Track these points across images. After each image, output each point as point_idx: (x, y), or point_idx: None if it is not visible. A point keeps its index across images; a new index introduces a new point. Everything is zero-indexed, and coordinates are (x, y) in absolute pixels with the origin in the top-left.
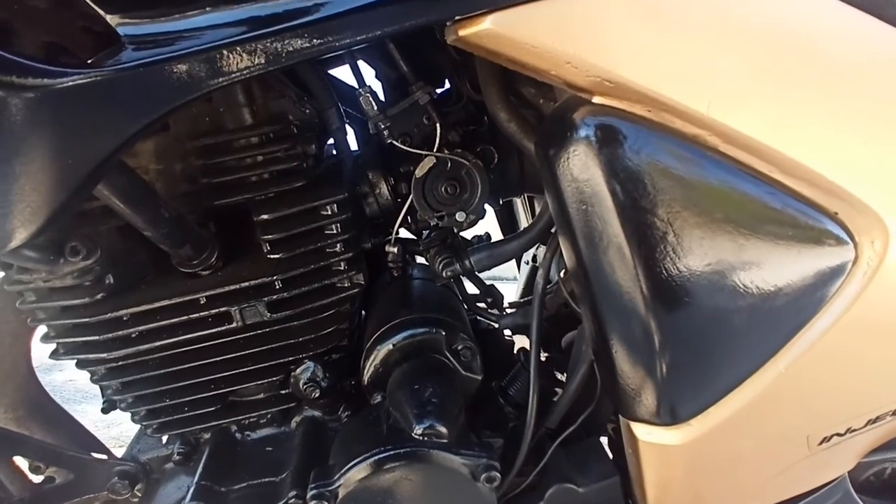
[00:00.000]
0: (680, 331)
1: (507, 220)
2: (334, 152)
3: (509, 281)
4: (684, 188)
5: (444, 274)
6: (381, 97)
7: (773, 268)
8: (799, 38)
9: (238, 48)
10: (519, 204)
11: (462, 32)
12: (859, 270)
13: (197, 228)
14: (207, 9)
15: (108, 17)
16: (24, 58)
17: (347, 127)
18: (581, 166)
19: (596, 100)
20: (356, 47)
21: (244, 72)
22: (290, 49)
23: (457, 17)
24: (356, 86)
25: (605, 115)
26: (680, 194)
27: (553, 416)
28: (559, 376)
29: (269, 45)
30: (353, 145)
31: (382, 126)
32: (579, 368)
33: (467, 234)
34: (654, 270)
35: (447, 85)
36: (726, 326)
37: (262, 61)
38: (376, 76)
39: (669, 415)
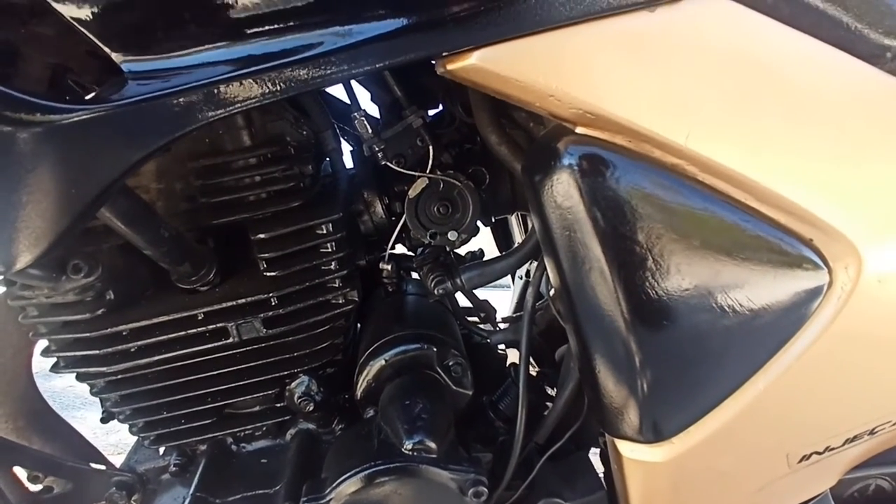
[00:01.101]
0: (660, 351)
1: (501, 235)
2: (330, 171)
3: (505, 289)
4: (664, 215)
5: (436, 291)
6: (377, 118)
7: (750, 292)
8: (772, 71)
9: (236, 83)
10: (513, 220)
11: (450, 67)
12: (834, 295)
13: (195, 246)
14: (207, 46)
15: (113, 55)
16: (31, 94)
17: (344, 146)
18: (564, 193)
19: (579, 130)
20: (349, 80)
21: (241, 104)
22: (285, 84)
23: (444, 54)
24: (352, 108)
25: (587, 145)
26: (659, 221)
27: (542, 431)
28: (550, 391)
29: (265, 80)
30: (350, 164)
31: (377, 148)
32: (567, 384)
33: (462, 250)
34: (635, 293)
35: (440, 107)
36: (706, 347)
37: (258, 94)
38: (372, 99)
39: (652, 432)
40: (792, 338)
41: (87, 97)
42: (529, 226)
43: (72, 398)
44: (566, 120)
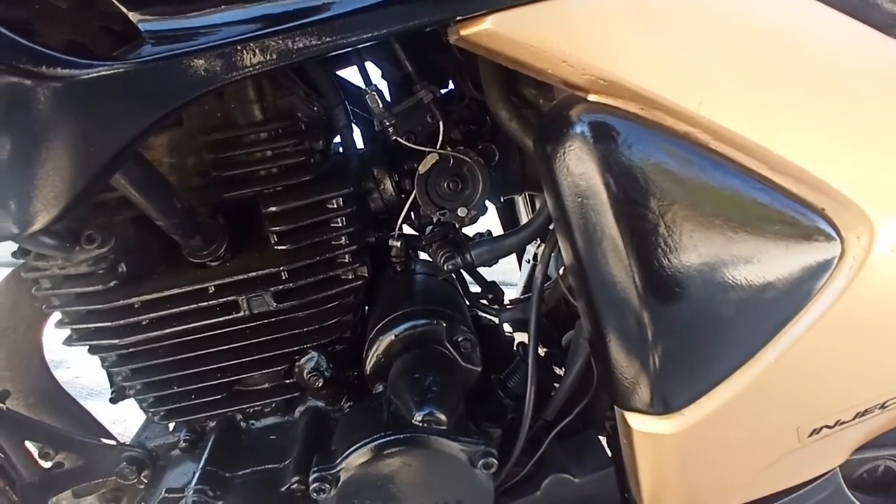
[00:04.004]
0: (672, 322)
1: (508, 217)
2: (341, 149)
3: (513, 286)
4: (675, 183)
5: (445, 267)
6: (387, 96)
7: (761, 262)
8: (786, 39)
9: (251, 44)
10: (520, 201)
11: (463, 32)
12: (845, 265)
13: (207, 220)
14: (223, 7)
15: (130, 14)
16: (51, 50)
17: (354, 125)
18: (576, 161)
19: (591, 98)
20: (362, 45)
21: (256, 67)
22: (300, 46)
23: (458, 18)
24: (363, 86)
25: (599, 113)
26: (671, 189)
27: (550, 408)
28: (558, 371)
29: (280, 42)
30: (359, 143)
31: (387, 123)
32: (576, 361)
33: (469, 232)
34: (647, 263)
35: (451, 85)
36: (717, 318)
37: (274, 57)
38: (382, 76)
39: (662, 404)
40: (803, 309)
41: (110, 56)
42: (538, 205)
43: (78, 389)
44: (579, 87)
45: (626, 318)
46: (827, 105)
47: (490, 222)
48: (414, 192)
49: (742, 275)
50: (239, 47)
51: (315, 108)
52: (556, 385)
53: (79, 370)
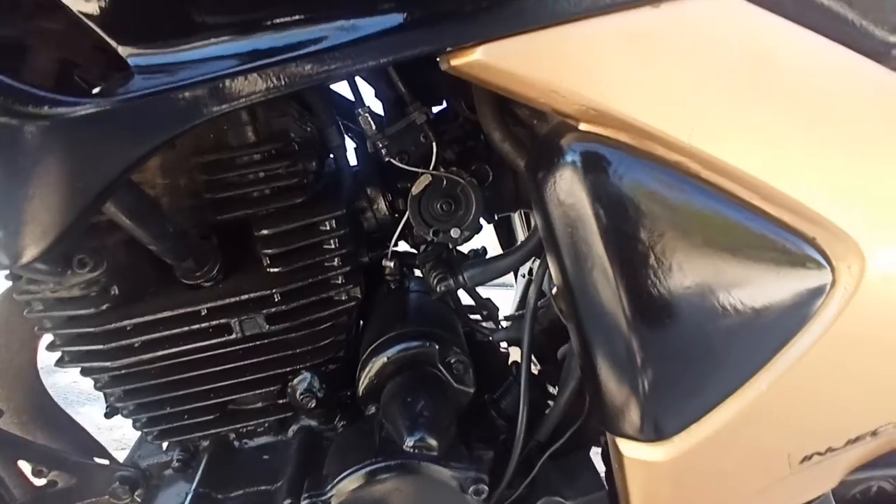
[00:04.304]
0: (662, 349)
1: (505, 233)
2: (334, 168)
3: (508, 287)
4: (666, 213)
5: (438, 289)
6: (381, 114)
7: (752, 290)
8: (778, 68)
9: (241, 77)
10: (516, 218)
11: (454, 62)
12: (837, 294)
13: (200, 242)
14: (213, 40)
15: (120, 49)
16: (38, 87)
17: (349, 141)
18: (567, 190)
19: (582, 126)
20: (353, 76)
21: (246, 99)
22: (290, 78)
23: (448, 49)
24: (355, 100)
25: (590, 142)
26: (662, 219)
27: (543, 430)
28: (552, 389)
29: (269, 74)
30: (353, 160)
31: (380, 145)
32: (569, 383)
33: (465, 248)
34: (637, 291)
35: (445, 104)
36: (707, 346)
37: (263, 89)
38: (376, 95)
39: (653, 431)
40: (794, 337)
41: (94, 91)
42: (532, 223)
43: (76, 394)
44: (570, 116)
45: (616, 344)
46: (818, 134)
47: (487, 237)
48: (407, 212)
49: (732, 303)
50: (228, 81)
51: (308, 129)
52: (550, 403)
53: (76, 375)
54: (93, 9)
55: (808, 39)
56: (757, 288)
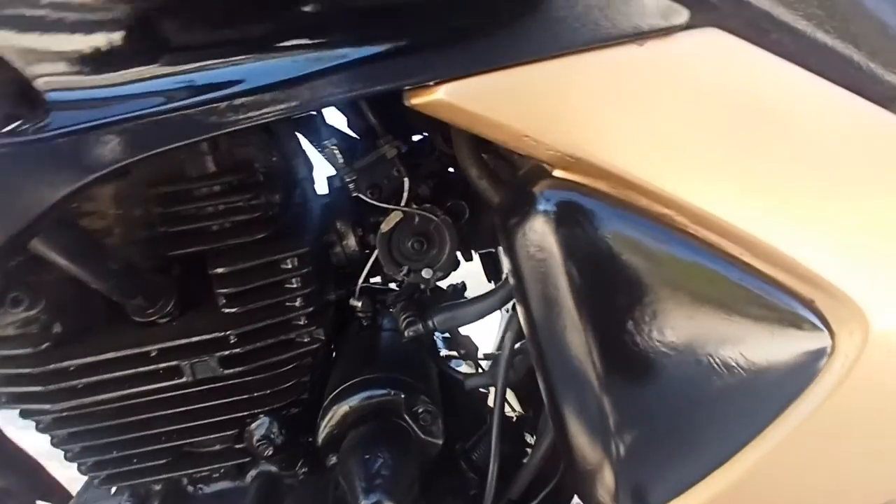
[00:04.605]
0: (641, 414)
1: (491, 264)
2: (300, 199)
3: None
4: (649, 270)
5: (406, 334)
6: (357, 140)
7: (741, 355)
8: (775, 114)
9: (174, 116)
10: (500, 250)
11: (415, 101)
12: (836, 363)
13: (152, 277)
14: (142, 75)
15: (37, 82)
16: None
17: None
18: (538, 243)
19: (557, 173)
20: (302, 114)
21: (178, 140)
22: (230, 117)
23: (406, 88)
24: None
25: (565, 190)
26: (644, 276)
27: (516, 487)
28: (531, 438)
29: (205, 113)
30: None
31: (348, 179)
32: (546, 436)
33: (445, 281)
34: (613, 353)
35: (420, 136)
36: (692, 413)
37: (197, 130)
38: (349, 125)
39: (630, 502)
40: (789, 407)
41: (6, 129)
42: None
43: None
44: (544, 161)
45: (589, 408)
46: (818, 187)
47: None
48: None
49: (720, 368)
50: (158, 120)
51: (274, 158)
52: (529, 450)
53: None
54: (6, 39)
55: (810, 82)
56: (747, 353)
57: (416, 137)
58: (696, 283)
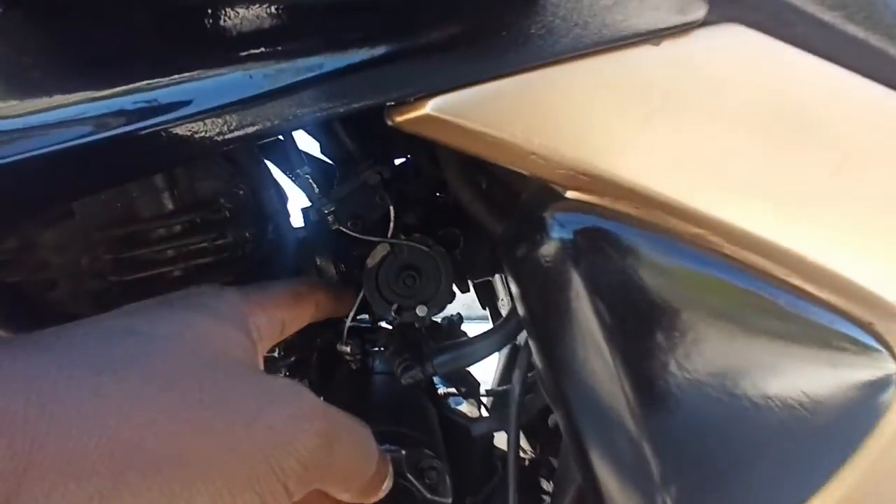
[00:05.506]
0: (685, 462)
1: (485, 291)
2: (273, 236)
3: (479, 321)
4: (687, 298)
5: (402, 380)
6: (331, 167)
7: (797, 391)
8: (810, 116)
9: (104, 147)
10: (497, 277)
11: (399, 119)
12: None
13: None
14: (69, 100)
15: None
16: None
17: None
18: (555, 274)
19: (570, 194)
20: (266, 139)
21: (115, 176)
22: (178, 147)
23: (390, 103)
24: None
25: (581, 213)
26: (681, 305)
27: None
28: (548, 485)
29: (145, 142)
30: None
31: (326, 211)
32: (567, 490)
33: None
34: (649, 391)
35: (404, 158)
36: (744, 459)
37: (138, 163)
38: (321, 150)
39: None
40: (860, 445)
41: None
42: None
43: None
44: (554, 182)
45: (625, 451)
46: (866, 196)
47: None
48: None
49: (774, 408)
50: (87, 152)
51: (241, 192)
52: (546, 497)
53: None
54: None
55: (845, 80)
56: (806, 387)
57: (397, 161)
58: (743, 311)
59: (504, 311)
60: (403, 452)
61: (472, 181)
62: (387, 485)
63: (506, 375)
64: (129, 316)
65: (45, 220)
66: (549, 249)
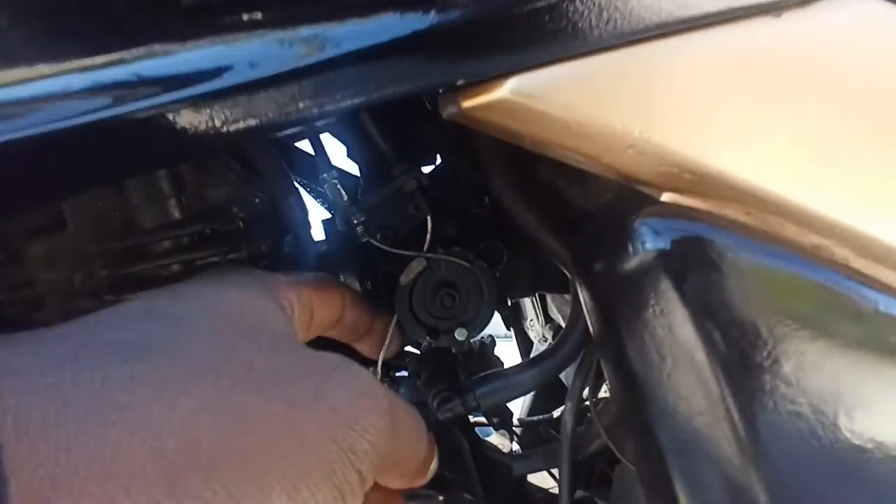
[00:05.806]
0: None
1: (510, 311)
2: (293, 249)
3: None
4: (806, 324)
5: (440, 415)
6: (356, 176)
7: None
8: None
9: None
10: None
11: (466, 104)
12: None
13: None
14: (38, 73)
15: None
16: None
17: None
18: (646, 293)
19: (665, 197)
20: (288, 132)
21: (90, 184)
22: (187, 134)
23: (459, 82)
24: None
25: (681, 219)
26: (803, 334)
27: None
28: None
29: (145, 128)
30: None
31: (356, 221)
32: None
33: None
34: (766, 431)
35: (440, 161)
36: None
37: (130, 154)
38: (348, 155)
39: None
40: None
41: None
42: (551, 305)
43: None
44: (648, 183)
45: (723, 498)
46: None
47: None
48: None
49: None
50: (83, 135)
51: (257, 200)
52: None
53: None
54: None
55: None
56: None
57: (430, 169)
58: (877, 338)
59: (533, 334)
60: (441, 498)
61: (520, 186)
62: (433, 467)
63: (537, 403)
64: (148, 299)
65: (31, 228)
66: (639, 263)
